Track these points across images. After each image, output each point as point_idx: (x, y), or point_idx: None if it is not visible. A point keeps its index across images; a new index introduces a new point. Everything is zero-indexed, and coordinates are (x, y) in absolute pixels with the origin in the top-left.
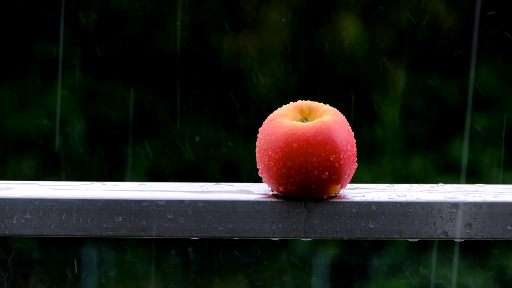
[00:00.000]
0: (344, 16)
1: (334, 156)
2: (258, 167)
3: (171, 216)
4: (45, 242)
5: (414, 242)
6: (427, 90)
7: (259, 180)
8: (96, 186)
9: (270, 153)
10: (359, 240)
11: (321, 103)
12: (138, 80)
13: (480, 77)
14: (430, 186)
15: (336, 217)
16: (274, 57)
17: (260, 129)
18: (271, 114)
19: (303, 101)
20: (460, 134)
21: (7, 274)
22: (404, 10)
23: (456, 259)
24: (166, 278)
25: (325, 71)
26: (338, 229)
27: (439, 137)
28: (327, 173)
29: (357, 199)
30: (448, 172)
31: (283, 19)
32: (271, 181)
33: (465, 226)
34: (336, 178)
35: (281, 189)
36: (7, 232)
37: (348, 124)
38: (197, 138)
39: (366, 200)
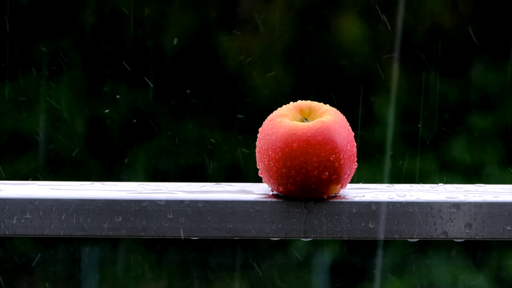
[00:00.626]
0: (344, 16)
1: (334, 156)
2: (258, 167)
3: (171, 216)
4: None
5: (414, 242)
6: (427, 90)
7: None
8: (96, 186)
9: (270, 153)
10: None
11: (321, 103)
12: (138, 80)
13: (480, 77)
14: (430, 186)
15: (336, 217)
16: (274, 57)
17: (260, 129)
18: (271, 114)
19: (303, 101)
20: (460, 134)
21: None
22: (404, 10)
23: (456, 259)
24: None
25: (325, 71)
26: (338, 229)
27: (439, 137)
28: (327, 173)
29: (357, 199)
30: (448, 172)
31: (283, 19)
32: (271, 181)
33: (465, 226)
34: (336, 178)
35: (281, 189)
36: (7, 232)
37: (348, 124)
38: (197, 138)
39: (366, 200)
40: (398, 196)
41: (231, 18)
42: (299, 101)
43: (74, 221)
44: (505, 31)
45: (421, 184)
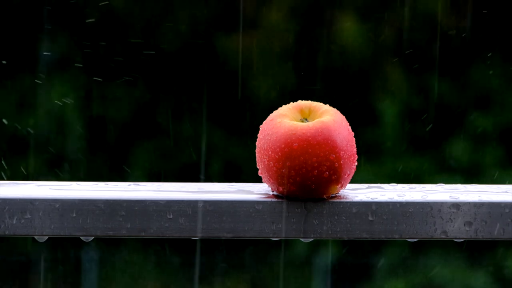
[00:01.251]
0: (344, 16)
1: (334, 156)
2: (258, 167)
3: (171, 216)
4: (46, 242)
5: (414, 242)
6: (427, 89)
7: (259, 180)
8: (96, 186)
9: (270, 153)
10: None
11: (321, 103)
12: (138, 80)
13: (480, 77)
14: (430, 186)
15: (336, 217)
16: (274, 57)
17: (260, 129)
18: (271, 114)
19: (303, 101)
20: (460, 134)
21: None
22: (404, 9)
23: (456, 259)
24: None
25: (325, 71)
26: (338, 229)
27: (439, 137)
28: (327, 173)
29: (357, 199)
30: (448, 172)
31: (283, 19)
32: (271, 181)
33: (465, 226)
34: (336, 178)
35: (281, 189)
36: (7, 232)
37: (348, 124)
38: (197, 138)
39: (366, 200)
40: (398, 196)
41: (231, 18)
42: (299, 101)
43: (74, 221)
44: (505, 31)
45: (421, 184)
